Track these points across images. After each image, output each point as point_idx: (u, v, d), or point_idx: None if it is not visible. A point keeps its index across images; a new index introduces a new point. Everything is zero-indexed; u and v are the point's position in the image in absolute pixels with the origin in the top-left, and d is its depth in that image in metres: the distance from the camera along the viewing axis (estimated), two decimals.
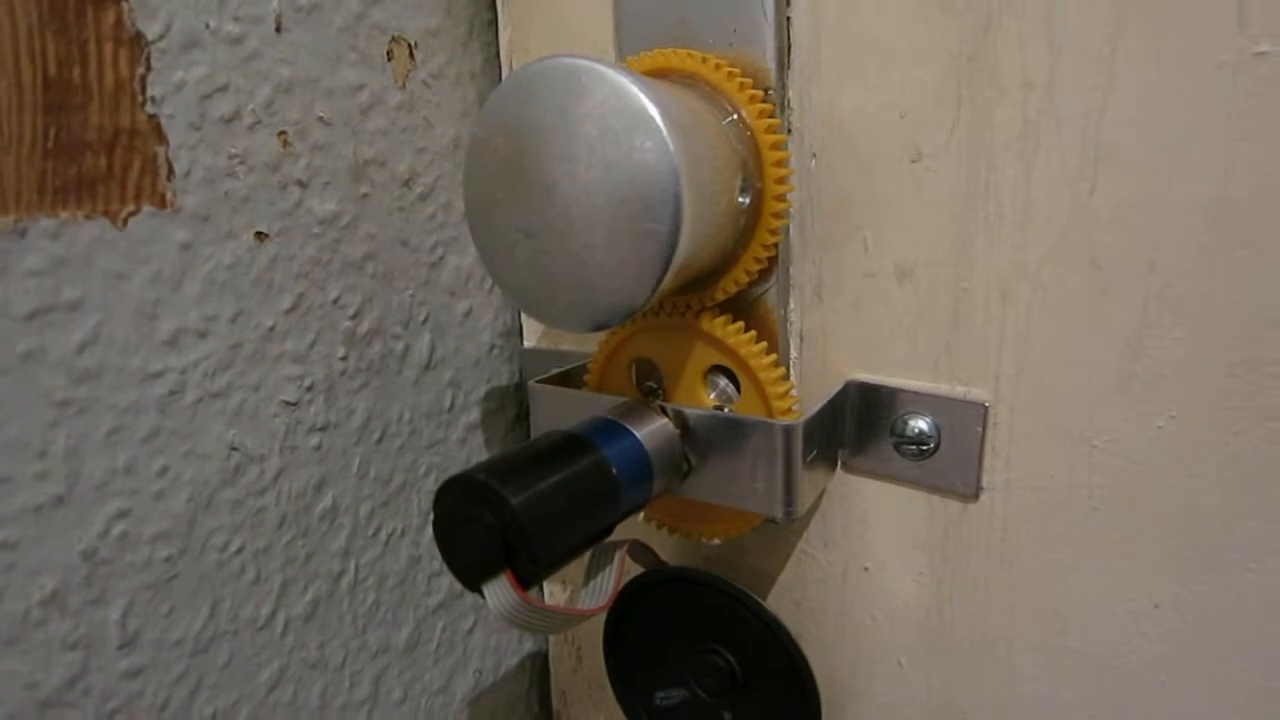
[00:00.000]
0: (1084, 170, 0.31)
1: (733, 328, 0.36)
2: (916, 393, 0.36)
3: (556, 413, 0.40)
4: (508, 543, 0.28)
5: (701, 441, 0.35)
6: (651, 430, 0.35)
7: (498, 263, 0.33)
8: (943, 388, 0.35)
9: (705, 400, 0.38)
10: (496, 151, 0.32)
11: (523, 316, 0.49)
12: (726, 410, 0.37)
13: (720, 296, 0.36)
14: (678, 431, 0.35)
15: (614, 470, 0.32)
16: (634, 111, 0.29)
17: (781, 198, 0.34)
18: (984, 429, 0.35)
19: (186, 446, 0.35)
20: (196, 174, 0.34)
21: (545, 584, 0.53)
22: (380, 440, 0.42)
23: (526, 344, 0.49)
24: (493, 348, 0.48)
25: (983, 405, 0.34)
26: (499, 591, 0.29)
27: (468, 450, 0.47)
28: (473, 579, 0.29)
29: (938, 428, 0.35)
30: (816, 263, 0.37)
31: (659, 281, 0.30)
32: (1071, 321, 0.32)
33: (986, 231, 0.33)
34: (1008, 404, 0.34)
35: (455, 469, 0.47)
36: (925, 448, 0.36)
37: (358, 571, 0.42)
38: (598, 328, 0.32)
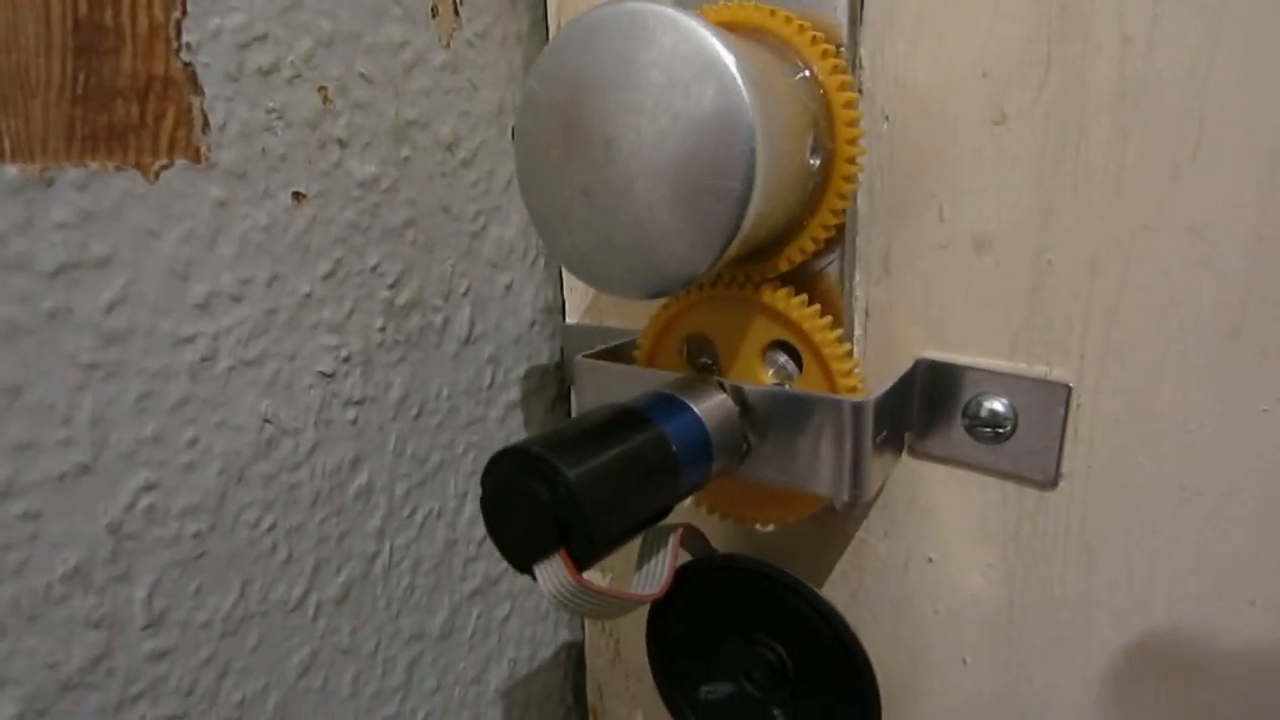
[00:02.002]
0: (1186, 133, 0.29)
1: (795, 301, 0.34)
2: (992, 372, 0.33)
3: (604, 390, 0.38)
4: (562, 520, 0.26)
5: (762, 420, 0.33)
6: (710, 406, 0.33)
7: (551, 225, 0.31)
8: (1021, 367, 0.33)
9: (763, 377, 0.35)
10: (553, 105, 0.30)
11: (565, 291, 0.47)
12: (787, 388, 0.35)
13: (784, 267, 0.33)
14: (737, 409, 0.33)
15: (674, 447, 0.30)
16: (706, 59, 0.27)
17: (853, 160, 0.32)
18: (1066, 412, 0.32)
19: (218, 417, 0.33)
20: (233, 128, 0.32)
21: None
22: (418, 416, 0.40)
23: (569, 320, 0.46)
24: (534, 323, 0.46)
25: (1065, 386, 0.32)
26: (552, 572, 0.27)
27: (507, 430, 0.45)
28: (523, 558, 0.27)
29: (1015, 410, 0.33)
30: (885, 233, 0.35)
31: (725, 246, 0.28)
32: (1167, 296, 0.30)
33: (1075, 199, 0.31)
34: (1092, 385, 0.32)
35: (493, 449, 0.45)
36: (1001, 431, 0.33)
37: (392, 554, 0.40)
38: (656, 294, 0.30)
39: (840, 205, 0.32)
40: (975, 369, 0.34)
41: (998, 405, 0.33)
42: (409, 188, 0.38)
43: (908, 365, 0.35)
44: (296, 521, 0.36)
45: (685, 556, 0.38)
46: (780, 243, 0.33)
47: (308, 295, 0.35)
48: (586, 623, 0.50)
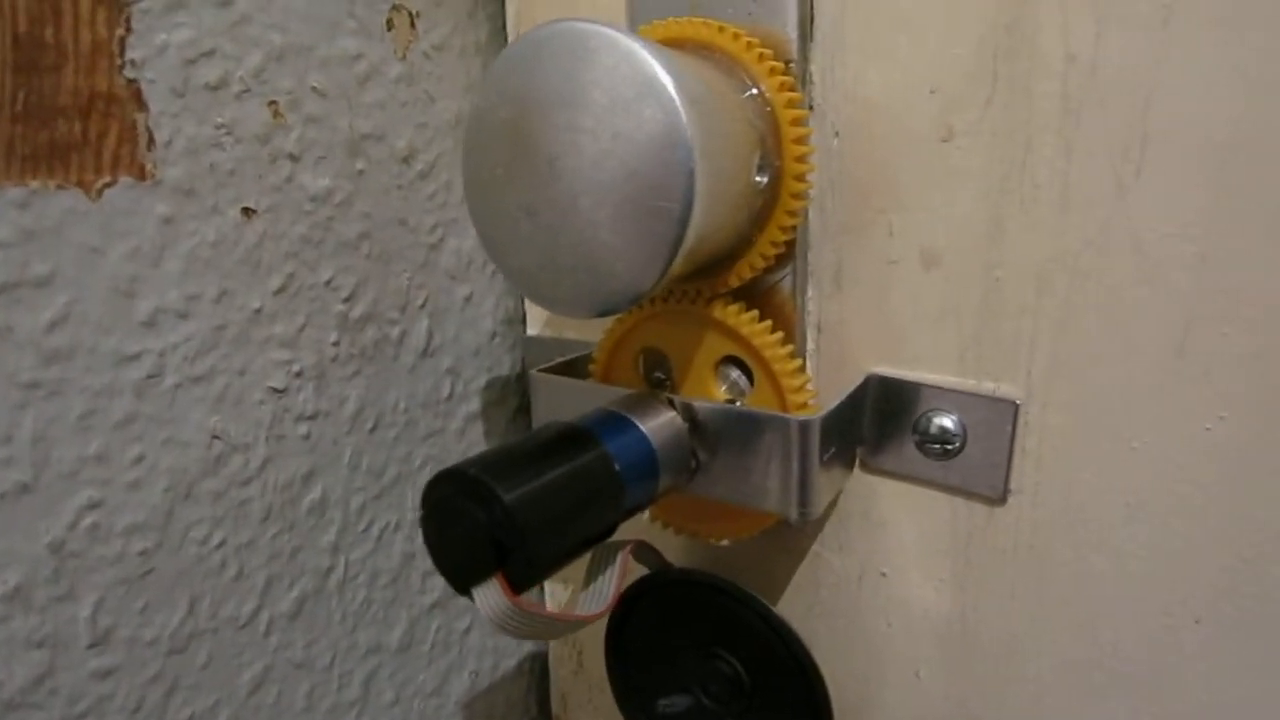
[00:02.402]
0: (1129, 152, 0.29)
1: (746, 316, 0.34)
2: (942, 388, 0.33)
3: (558, 404, 0.38)
4: (500, 543, 0.26)
5: (712, 436, 0.33)
6: (658, 424, 0.33)
7: (498, 243, 0.31)
8: (970, 383, 0.33)
9: (716, 393, 0.35)
10: (499, 122, 0.30)
11: (526, 303, 0.47)
12: (739, 404, 0.35)
13: (734, 283, 0.33)
14: (686, 425, 0.33)
15: (617, 466, 0.30)
16: (644, 79, 0.27)
17: (801, 178, 0.32)
18: (1014, 428, 0.32)
19: (165, 434, 0.33)
20: (179, 144, 0.32)
21: (546, 583, 0.51)
22: (374, 430, 0.40)
23: (530, 332, 0.46)
24: (494, 335, 0.46)
25: (1013, 403, 0.32)
26: (489, 595, 0.27)
27: (466, 442, 0.45)
28: (462, 581, 0.27)
29: (964, 426, 0.33)
30: (837, 248, 0.35)
31: (668, 264, 0.28)
32: (1112, 314, 0.30)
33: (1021, 216, 0.31)
34: (1040, 402, 0.32)
35: (453, 461, 0.44)
36: (950, 447, 0.33)
37: (348, 568, 0.40)
38: (603, 313, 0.30)
39: (789, 222, 0.32)
40: (925, 385, 0.34)
41: (947, 422, 0.33)
42: (364, 201, 0.38)
43: (859, 380, 0.35)
44: (247, 537, 0.36)
45: (640, 571, 0.38)
46: (730, 259, 0.33)
47: (258, 310, 0.35)
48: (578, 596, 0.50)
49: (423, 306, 0.42)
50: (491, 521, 0.26)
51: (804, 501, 0.32)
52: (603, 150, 0.27)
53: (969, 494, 0.34)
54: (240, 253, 0.34)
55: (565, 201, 0.28)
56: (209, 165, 0.33)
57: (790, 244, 0.34)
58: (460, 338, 0.44)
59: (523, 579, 0.27)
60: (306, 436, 0.38)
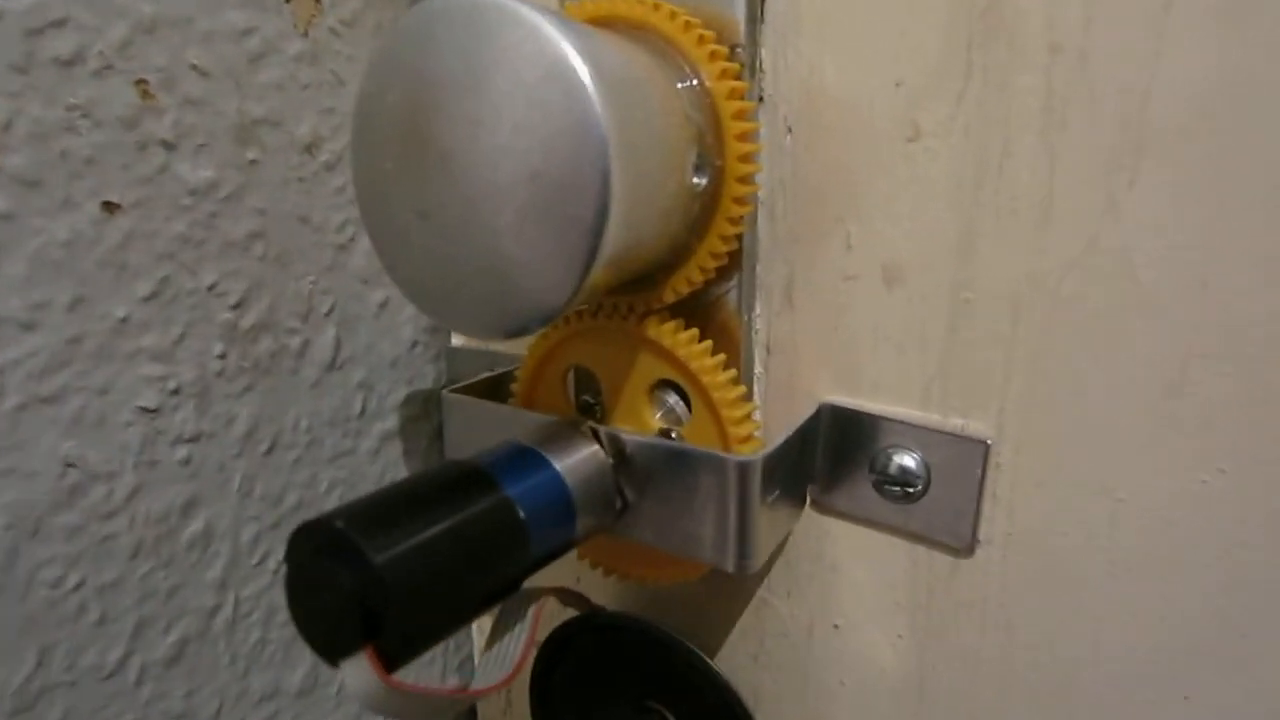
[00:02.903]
0: (1122, 159, 0.25)
1: (684, 335, 0.29)
2: (903, 422, 0.29)
3: (472, 429, 0.33)
4: (370, 611, 0.22)
5: (640, 474, 0.29)
6: (578, 460, 0.28)
7: (388, 250, 0.27)
8: (935, 419, 0.29)
9: (649, 421, 0.31)
10: (387, 108, 0.25)
11: None
12: (674, 435, 0.31)
13: (669, 298, 0.29)
14: (610, 461, 0.29)
15: (521, 513, 0.25)
16: (551, 60, 0.22)
17: (746, 179, 0.27)
18: (983, 471, 0.28)
19: (5, 463, 0.28)
20: (21, 128, 0.27)
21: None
22: (269, 452, 0.36)
23: (454, 342, 0.42)
24: (415, 344, 0.41)
25: (983, 442, 0.28)
26: (357, 672, 0.22)
27: (382, 464, 0.40)
28: (330, 653, 0.23)
29: (927, 466, 0.29)
30: (788, 260, 0.31)
31: (582, 279, 0.23)
32: (1097, 346, 0.26)
33: (996, 230, 0.27)
34: (1013, 443, 0.28)
35: (366, 485, 0.40)
36: (911, 489, 0.29)
37: (238, 606, 0.36)
38: (509, 335, 0.25)
39: (732, 230, 0.28)
40: (885, 418, 0.30)
41: (908, 460, 0.29)
42: (256, 195, 0.34)
43: (811, 410, 0.31)
44: (112, 576, 0.31)
45: (569, 612, 0.34)
46: (666, 270, 0.29)
47: (123, 320, 0.30)
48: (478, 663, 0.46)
49: (329, 314, 0.37)
50: (360, 586, 0.22)
51: (742, 552, 0.28)
52: (500, 146, 0.23)
53: (932, 542, 0.30)
54: (100, 253, 0.30)
55: (461, 205, 0.24)
56: (60, 153, 0.28)
57: (735, 255, 0.30)
58: (374, 348, 0.39)
59: (398, 653, 0.22)
60: (186, 461, 0.33)
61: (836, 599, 0.33)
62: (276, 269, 0.35)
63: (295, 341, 0.36)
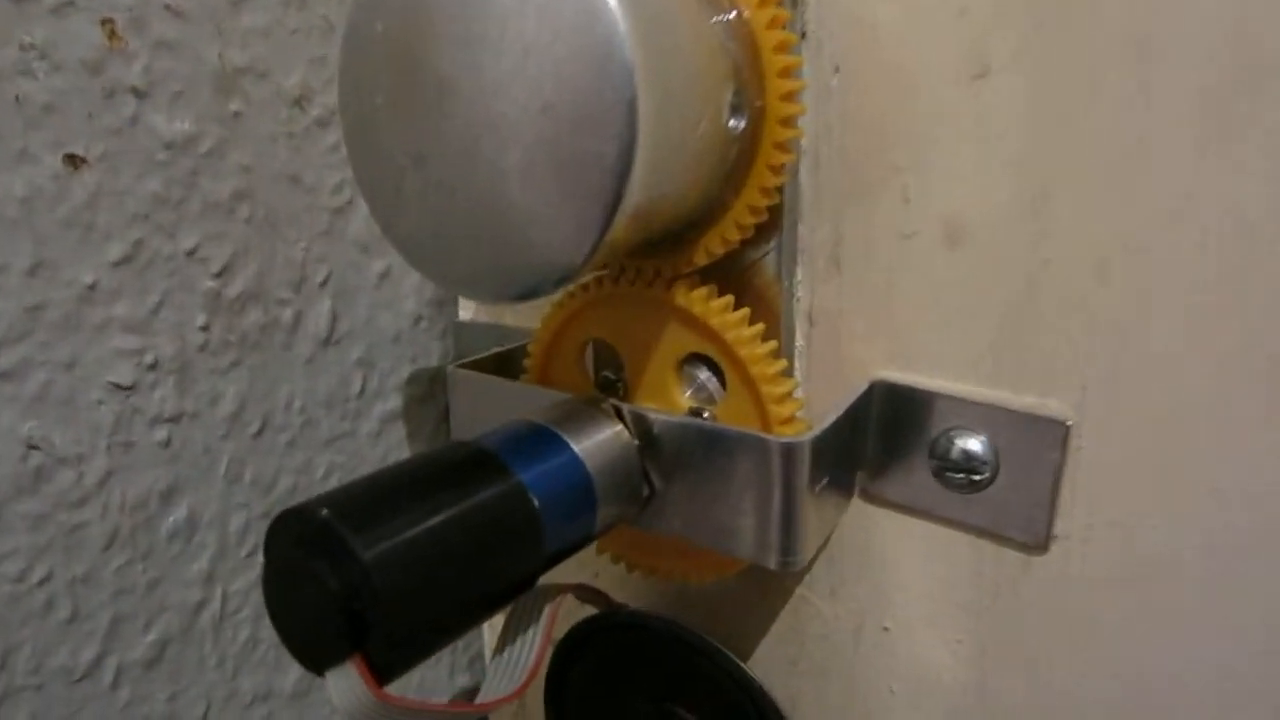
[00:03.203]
0: (1235, 95, 0.21)
1: (717, 303, 0.26)
2: (968, 401, 0.26)
3: (481, 409, 0.30)
4: (357, 615, 0.19)
5: (669, 458, 0.26)
6: (599, 442, 0.25)
7: (382, 202, 0.23)
8: (1005, 396, 0.25)
9: (678, 400, 0.28)
10: (378, 39, 0.22)
11: None
12: (706, 415, 0.28)
13: (701, 260, 0.26)
14: (635, 443, 0.26)
15: (535, 501, 0.22)
16: None
17: (790, 122, 0.24)
18: (1062, 456, 0.25)
19: None
20: None
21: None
22: (259, 434, 0.33)
23: (462, 316, 0.39)
24: (419, 319, 0.38)
25: (1062, 424, 0.24)
26: (344, 684, 0.19)
27: (383, 447, 0.37)
28: (314, 661, 0.20)
29: (995, 450, 0.26)
30: (835, 218, 0.27)
31: (603, 231, 0.20)
32: (1196, 314, 0.22)
33: (1079, 180, 0.23)
34: (1096, 424, 0.24)
35: (367, 468, 0.37)
36: (977, 477, 0.26)
37: (225, 601, 0.33)
38: (518, 298, 0.22)
39: (773, 181, 0.24)
40: (947, 396, 0.26)
41: (974, 444, 0.26)
42: (240, 151, 0.30)
43: (862, 387, 0.27)
44: (83, 570, 0.29)
45: (587, 610, 0.31)
46: (697, 228, 0.26)
47: (91, 287, 0.27)
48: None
49: (323, 284, 0.34)
50: (345, 587, 0.19)
51: (787, 547, 0.24)
52: (506, 71, 0.19)
53: (999, 537, 0.26)
54: (64, 212, 0.26)
55: (461, 143, 0.21)
56: (14, 97, 0.25)
57: (775, 210, 0.26)
58: (374, 322, 0.36)
59: (389, 664, 0.19)
60: (166, 443, 0.30)
61: (887, 599, 0.29)
62: (265, 233, 0.32)
63: (287, 313, 0.33)
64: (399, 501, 0.20)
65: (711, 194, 0.25)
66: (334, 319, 0.34)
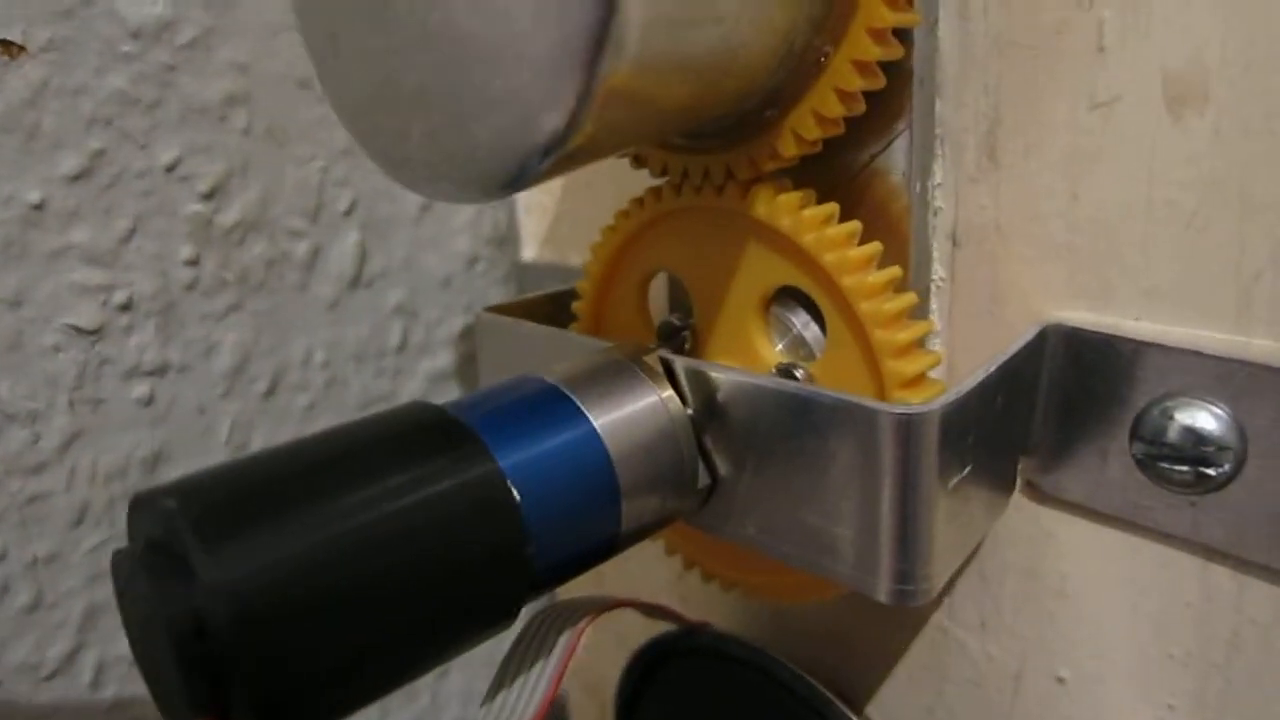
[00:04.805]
0: None
1: (813, 213, 0.18)
2: (1199, 354, 0.17)
3: (508, 361, 0.23)
4: (212, 661, 0.12)
5: (738, 434, 0.18)
6: (634, 411, 0.18)
7: (321, 64, 0.17)
8: (1260, 348, 0.16)
9: (763, 353, 0.20)
10: None
11: (521, 212, 0.32)
12: (800, 374, 0.20)
13: (788, 150, 0.18)
14: (688, 413, 0.18)
15: (515, 493, 0.15)
16: None
17: None
18: None
19: None
20: None
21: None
22: (270, 394, 0.27)
23: (525, 256, 0.32)
24: (475, 260, 0.31)
25: None
26: None
27: None
28: (171, 711, 0.14)
29: (1240, 430, 0.17)
30: (991, 84, 0.19)
31: (593, 61, 0.13)
32: None
33: None
34: None
35: None
36: (1210, 471, 0.17)
37: None
38: (490, 184, 0.15)
39: (893, 20, 0.16)
40: (1162, 346, 0.17)
41: (1205, 420, 0.17)
42: (232, 45, 0.25)
43: (1029, 335, 0.19)
44: (46, 549, 0.24)
45: (658, 627, 0.24)
46: (778, 103, 0.18)
47: (37, 207, 0.22)
48: (568, 689, 0.37)
49: (348, 213, 0.28)
50: (186, 623, 0.12)
51: (904, 571, 0.16)
52: None
53: (1242, 561, 0.17)
54: None
55: None
56: None
57: (899, 75, 0.18)
58: (416, 262, 0.30)
59: None
60: (147, 401, 0.25)
61: (1064, 638, 0.21)
62: (268, 148, 0.26)
63: (301, 247, 0.27)
64: (295, 492, 0.14)
65: (794, 40, 0.17)
66: (363, 256, 0.28)
